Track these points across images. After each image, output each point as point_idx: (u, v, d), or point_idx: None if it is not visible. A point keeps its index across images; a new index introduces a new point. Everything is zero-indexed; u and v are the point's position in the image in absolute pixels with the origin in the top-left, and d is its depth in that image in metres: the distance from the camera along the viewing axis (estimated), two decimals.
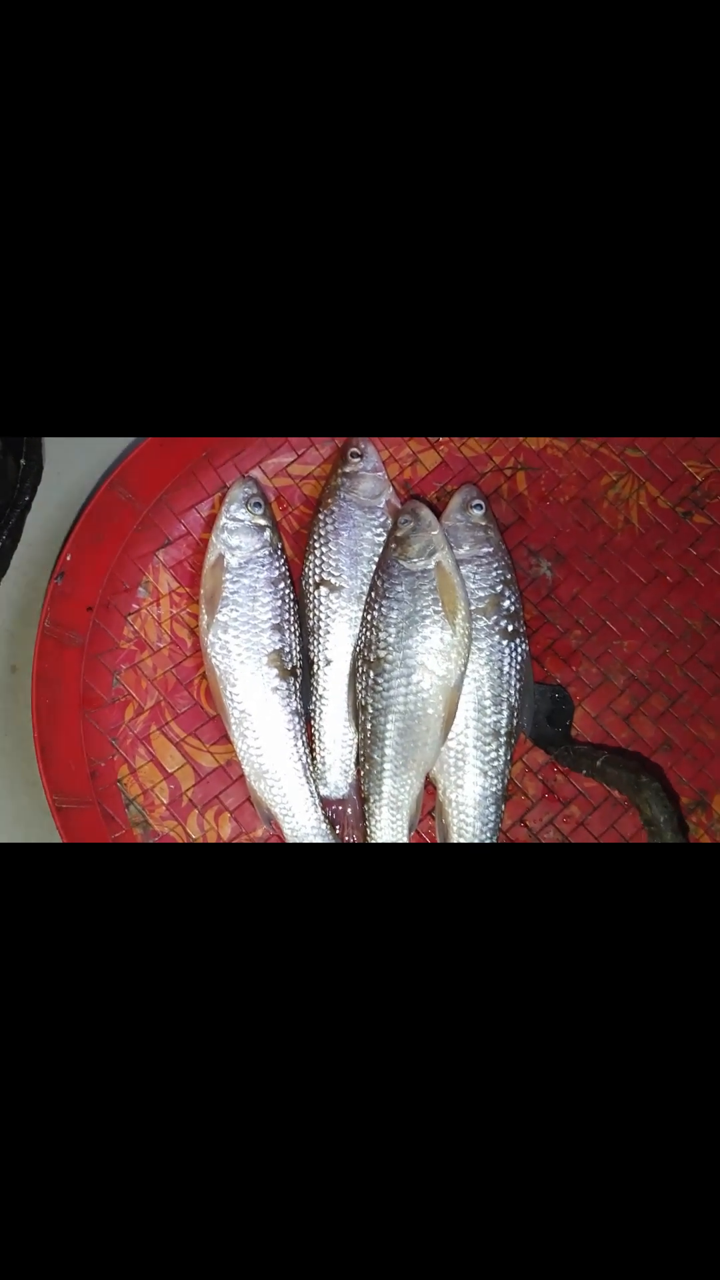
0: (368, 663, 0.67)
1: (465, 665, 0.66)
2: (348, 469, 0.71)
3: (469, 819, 0.66)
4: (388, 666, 0.66)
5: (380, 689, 0.66)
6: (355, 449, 0.71)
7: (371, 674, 0.66)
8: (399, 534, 0.68)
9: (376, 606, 0.67)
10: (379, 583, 0.68)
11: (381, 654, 0.66)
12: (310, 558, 0.70)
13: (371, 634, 0.67)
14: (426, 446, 0.74)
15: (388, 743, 0.66)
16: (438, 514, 0.69)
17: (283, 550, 0.69)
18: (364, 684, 0.67)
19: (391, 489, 0.71)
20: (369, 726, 0.66)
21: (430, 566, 0.67)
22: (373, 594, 0.68)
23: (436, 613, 0.66)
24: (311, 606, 0.69)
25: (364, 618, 0.68)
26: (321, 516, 0.70)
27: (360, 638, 0.68)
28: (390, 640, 0.66)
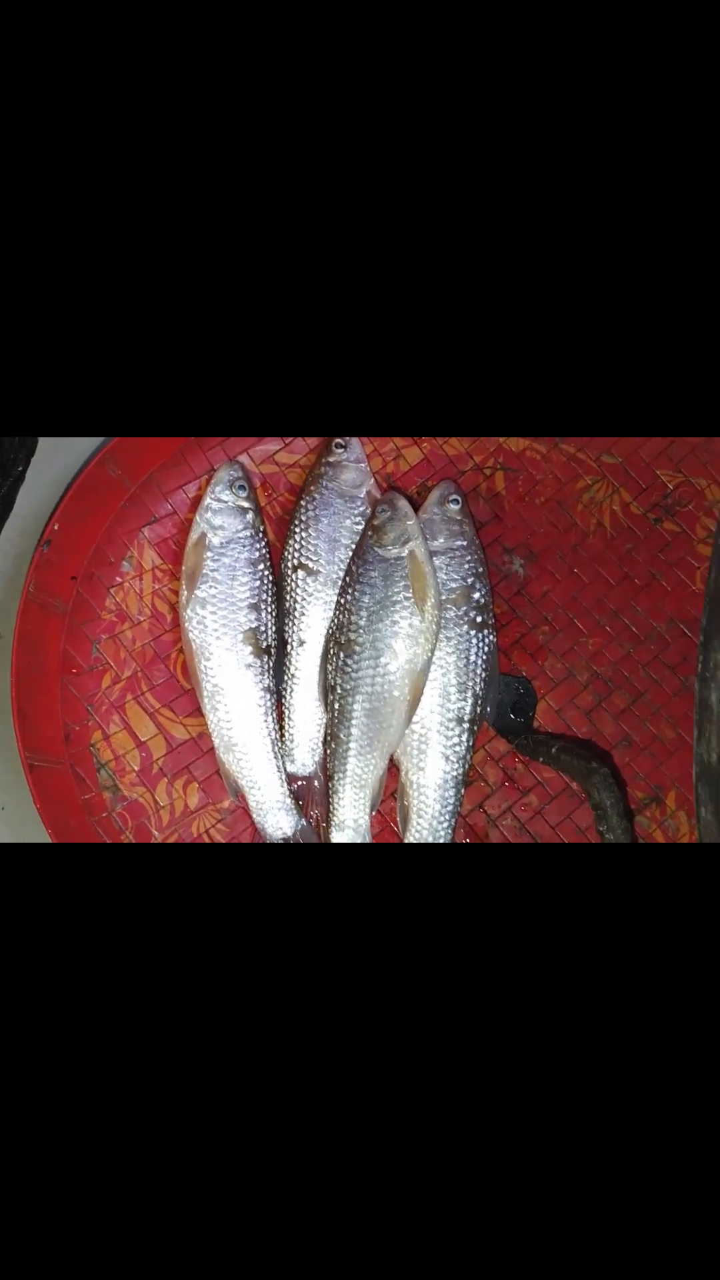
0: (338, 644, 0.69)
1: (432, 651, 0.68)
2: (331, 459, 0.73)
3: (429, 801, 0.68)
4: (357, 649, 0.68)
5: (349, 670, 0.68)
6: (340, 440, 0.73)
7: (341, 655, 0.68)
8: (375, 522, 0.70)
9: (350, 591, 0.69)
10: (354, 568, 0.70)
11: (352, 636, 0.68)
12: (290, 541, 0.72)
13: (344, 617, 0.69)
14: (410, 442, 0.76)
15: (354, 723, 0.68)
16: (416, 508, 0.72)
17: (264, 533, 0.71)
18: (334, 665, 0.69)
19: (373, 480, 0.73)
20: (337, 706, 0.68)
21: (403, 554, 0.69)
22: (347, 579, 0.70)
23: (407, 599, 0.68)
24: (289, 589, 0.71)
25: (338, 601, 0.70)
26: (303, 503, 0.72)
27: (333, 620, 0.70)
28: (361, 624, 0.68)
